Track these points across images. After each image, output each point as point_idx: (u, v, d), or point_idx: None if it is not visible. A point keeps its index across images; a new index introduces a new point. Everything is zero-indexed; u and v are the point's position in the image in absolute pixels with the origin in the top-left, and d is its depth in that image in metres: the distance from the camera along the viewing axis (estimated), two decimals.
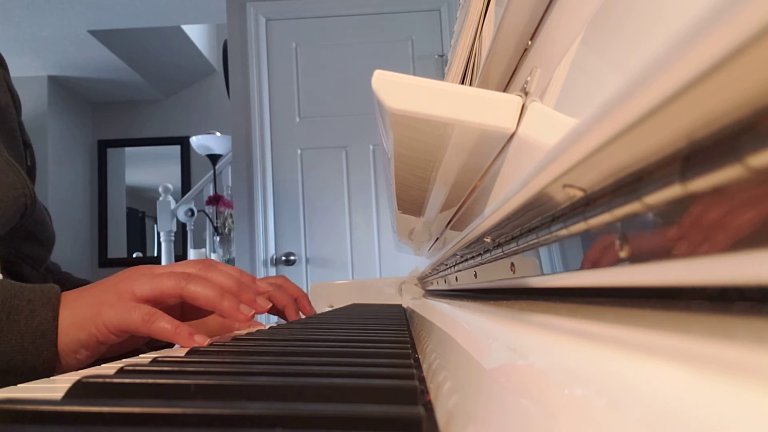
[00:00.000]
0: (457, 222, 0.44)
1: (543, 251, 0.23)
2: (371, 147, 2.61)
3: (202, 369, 0.29)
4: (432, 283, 0.89)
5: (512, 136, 0.26)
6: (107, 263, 4.65)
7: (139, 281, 0.50)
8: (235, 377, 0.25)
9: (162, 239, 3.58)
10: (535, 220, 0.23)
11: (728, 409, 0.07)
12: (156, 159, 4.99)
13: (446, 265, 0.63)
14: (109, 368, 0.34)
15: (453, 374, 0.23)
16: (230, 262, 3.18)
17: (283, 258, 2.58)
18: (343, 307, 1.09)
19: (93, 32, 3.64)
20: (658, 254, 0.13)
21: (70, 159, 4.43)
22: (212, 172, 3.57)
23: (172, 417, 0.18)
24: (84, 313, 0.48)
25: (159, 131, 4.75)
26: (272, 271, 2.57)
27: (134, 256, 4.92)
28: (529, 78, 0.26)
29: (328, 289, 1.40)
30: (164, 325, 0.47)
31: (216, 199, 3.41)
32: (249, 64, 2.61)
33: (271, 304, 0.57)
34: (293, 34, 2.66)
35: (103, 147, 4.74)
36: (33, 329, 0.46)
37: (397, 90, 0.25)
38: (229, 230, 3.30)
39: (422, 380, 0.28)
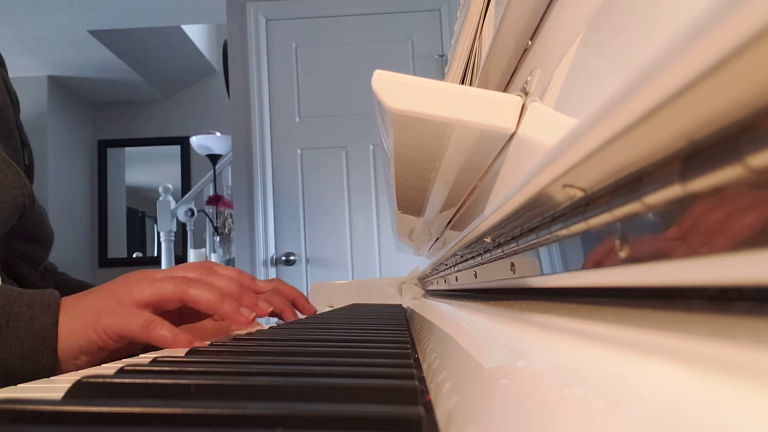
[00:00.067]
0: (457, 222, 0.44)
1: (543, 251, 0.23)
2: (371, 147, 2.61)
3: (202, 369, 0.29)
4: (432, 283, 0.89)
5: (512, 136, 0.26)
6: (107, 263, 4.65)
7: (139, 286, 0.50)
8: (235, 377, 0.25)
9: (162, 239, 3.58)
10: (535, 220, 0.23)
11: (728, 409, 0.07)
12: (156, 159, 4.99)
13: (446, 265, 0.63)
14: (109, 368, 0.34)
15: (453, 374, 0.23)
16: (230, 262, 3.18)
17: (283, 258, 2.58)
18: (343, 307, 1.09)
19: (93, 32, 3.64)
20: (658, 254, 0.13)
21: (70, 159, 4.43)
22: (212, 172, 3.57)
23: (172, 417, 0.18)
24: (84, 318, 0.48)
25: (159, 131, 4.75)
26: (272, 271, 2.57)
27: (134, 256, 4.92)
28: (529, 78, 0.26)
29: (328, 289, 1.40)
30: (163, 332, 0.47)
31: (216, 199, 3.41)
32: (249, 64, 2.61)
33: (272, 308, 0.57)
34: (293, 34, 2.66)
35: (103, 147, 4.74)
36: (33, 335, 0.46)
37: (397, 90, 0.25)
38: (229, 230, 3.30)
39: (422, 380, 0.28)
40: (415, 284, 1.22)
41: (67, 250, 4.24)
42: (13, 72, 0.76)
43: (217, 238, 3.39)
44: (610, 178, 0.15)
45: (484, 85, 0.35)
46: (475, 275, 0.43)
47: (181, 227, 3.77)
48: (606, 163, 0.14)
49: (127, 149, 4.86)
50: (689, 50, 0.09)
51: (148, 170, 5.07)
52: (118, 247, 4.78)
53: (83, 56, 3.97)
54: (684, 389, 0.09)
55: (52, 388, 0.30)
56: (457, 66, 0.57)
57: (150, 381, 0.24)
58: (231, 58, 2.66)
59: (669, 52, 0.10)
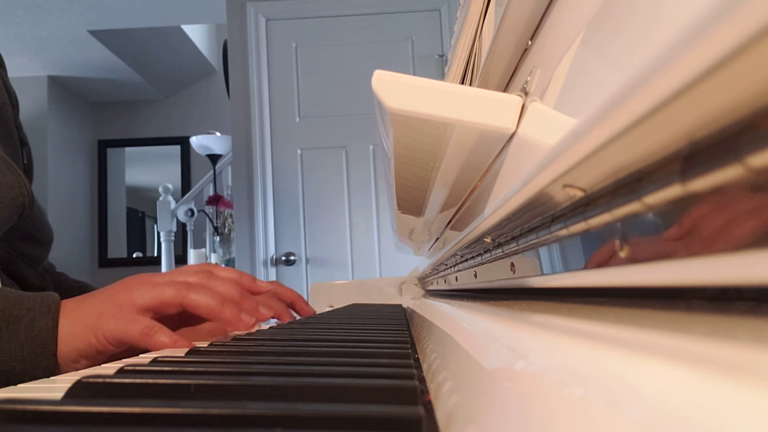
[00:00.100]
0: (457, 222, 0.44)
1: (543, 251, 0.23)
2: (371, 147, 2.61)
3: (202, 369, 0.29)
4: (432, 283, 0.89)
5: (512, 136, 0.26)
6: (107, 263, 4.65)
7: (139, 291, 0.50)
8: (235, 377, 0.25)
9: (162, 239, 3.58)
10: (535, 220, 0.23)
11: (728, 409, 0.07)
12: (156, 159, 4.99)
13: (446, 265, 0.63)
14: (109, 368, 0.34)
15: (453, 374, 0.23)
16: (230, 262, 3.18)
17: (283, 258, 2.58)
18: (343, 307, 1.09)
19: (93, 32, 3.64)
20: (658, 254, 0.13)
21: (70, 159, 4.43)
22: (212, 172, 3.57)
23: (172, 417, 0.18)
24: (84, 322, 0.48)
25: (159, 131, 4.75)
26: (272, 271, 2.57)
27: (134, 256, 4.92)
28: (529, 78, 0.26)
29: (328, 289, 1.40)
30: (163, 338, 0.47)
31: (216, 199, 3.41)
32: (249, 64, 2.61)
33: (272, 313, 0.57)
34: (293, 34, 2.67)
35: (103, 147, 4.74)
36: (33, 338, 0.46)
37: (397, 90, 0.25)
38: (229, 230, 3.30)
39: (422, 380, 0.28)
40: (415, 284, 1.22)
41: (67, 250, 4.24)
42: (13, 72, 0.77)
43: (217, 238, 3.39)
44: (610, 178, 0.15)
45: (484, 85, 0.35)
46: (475, 275, 0.43)
47: (181, 227, 3.77)
48: (606, 163, 0.14)
49: (127, 149, 4.86)
50: (689, 50, 0.09)
51: (148, 170, 5.07)
52: (118, 247, 4.78)
53: (83, 56, 3.97)
54: (684, 389, 0.09)
55: (52, 388, 0.30)
56: (457, 66, 0.57)
57: (150, 381, 0.24)
58: (231, 58, 2.66)
59: (669, 52, 0.10)
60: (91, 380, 0.23)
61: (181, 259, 3.89)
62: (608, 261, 0.16)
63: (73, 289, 0.76)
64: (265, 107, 2.62)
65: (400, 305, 1.09)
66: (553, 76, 0.22)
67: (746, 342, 0.09)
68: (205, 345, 0.42)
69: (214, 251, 3.40)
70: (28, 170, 0.73)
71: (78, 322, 0.48)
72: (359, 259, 2.57)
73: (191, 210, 3.52)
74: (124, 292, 0.51)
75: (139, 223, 5.35)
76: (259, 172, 2.58)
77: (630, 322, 0.14)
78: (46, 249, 0.72)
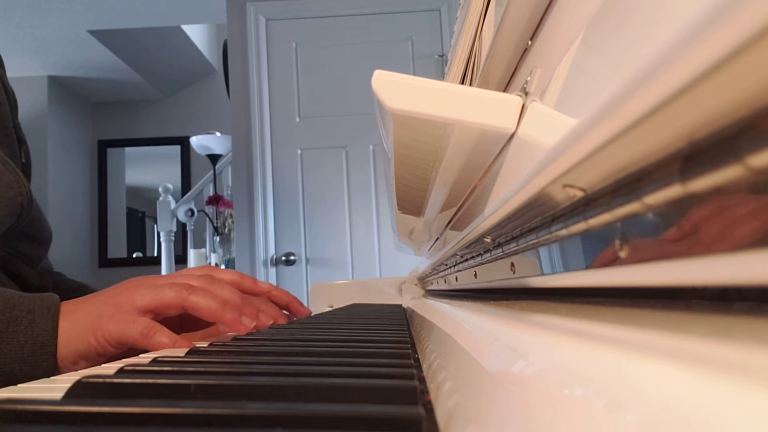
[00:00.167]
0: (457, 222, 0.44)
1: (543, 251, 0.23)
2: (371, 147, 2.61)
3: (202, 369, 0.29)
4: (432, 283, 0.89)
5: (512, 136, 0.26)
6: (107, 263, 4.65)
7: (140, 292, 0.50)
8: (235, 377, 0.25)
9: (162, 239, 3.58)
10: (535, 220, 0.23)
11: (728, 409, 0.07)
12: (156, 159, 4.99)
13: (446, 265, 0.63)
14: (109, 368, 0.34)
15: (453, 374, 0.23)
16: (230, 262, 3.18)
17: (283, 258, 2.58)
18: (343, 307, 1.09)
19: (93, 32, 3.64)
20: (658, 254, 0.13)
21: (70, 159, 4.43)
22: (212, 172, 3.57)
23: (172, 417, 0.18)
24: (83, 324, 0.48)
25: (159, 131, 4.75)
26: (272, 271, 2.57)
27: (134, 256, 4.92)
28: (529, 78, 0.26)
29: (328, 289, 1.40)
30: (163, 339, 0.47)
31: (216, 199, 3.41)
32: (249, 64, 2.61)
33: (272, 320, 0.58)
34: (293, 34, 2.67)
35: (103, 147, 4.74)
36: (32, 340, 0.46)
37: (397, 90, 0.25)
38: (229, 230, 3.30)
39: (422, 380, 0.28)
40: (415, 284, 1.22)
41: (67, 250, 4.24)
42: (13, 72, 0.77)
43: (217, 238, 3.39)
44: (610, 178, 0.15)
45: (484, 85, 0.35)
46: (475, 275, 0.43)
47: (181, 227, 3.77)
48: (606, 163, 0.14)
49: (127, 149, 4.86)
50: (689, 50, 0.09)
51: (148, 170, 5.07)
52: (118, 247, 4.79)
53: (83, 56, 3.97)
54: (684, 389, 0.09)
55: (52, 388, 0.30)
56: (457, 66, 0.57)
57: (150, 381, 0.24)
58: (231, 58, 2.66)
59: (669, 52, 0.10)
60: (91, 380, 0.23)
61: (181, 259, 3.89)
62: (608, 261, 0.16)
63: (72, 289, 0.76)
64: (265, 107, 2.62)
65: (400, 305, 1.09)
66: (553, 76, 0.22)
67: (746, 342, 0.09)
68: (205, 345, 0.41)
69: (214, 251, 3.40)
70: (26, 169, 0.73)
71: (78, 323, 0.48)
72: (359, 259, 2.57)
73: (191, 210, 3.52)
74: (124, 293, 0.50)
75: (139, 223, 5.35)
76: (259, 172, 2.58)
77: (630, 322, 0.14)
78: (44, 248, 0.72)
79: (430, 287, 0.94)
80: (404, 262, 2.32)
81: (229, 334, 0.56)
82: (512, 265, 0.30)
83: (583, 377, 0.12)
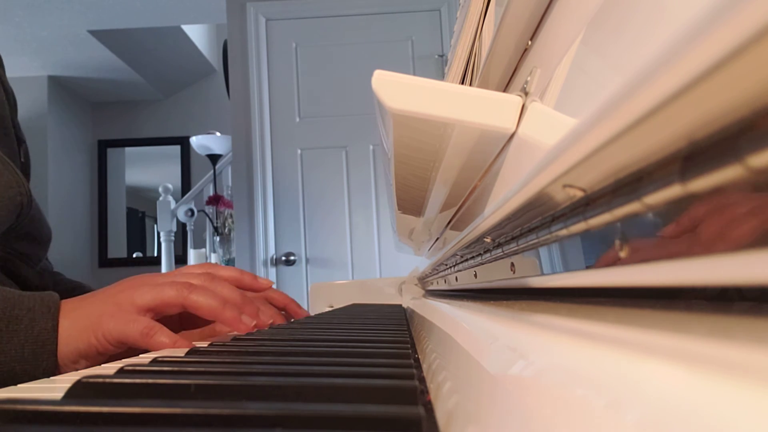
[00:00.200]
0: (457, 222, 0.44)
1: (543, 251, 0.23)
2: (371, 147, 2.61)
3: (202, 369, 0.29)
4: (432, 283, 0.89)
5: (512, 136, 0.26)
6: (107, 263, 4.65)
7: (140, 291, 0.50)
8: (235, 377, 0.25)
9: (162, 239, 3.58)
10: (535, 220, 0.23)
11: (728, 409, 0.07)
12: (156, 159, 4.99)
13: (446, 265, 0.63)
14: (109, 368, 0.34)
15: (453, 374, 0.23)
16: (230, 262, 3.18)
17: (283, 258, 2.58)
18: (343, 307, 1.09)
19: (93, 32, 3.64)
20: (658, 254, 0.13)
21: (70, 159, 4.43)
22: (212, 172, 3.57)
23: (172, 417, 0.18)
24: (84, 323, 0.48)
25: (159, 131, 4.75)
26: (272, 271, 2.57)
27: (134, 256, 4.92)
28: (529, 78, 0.26)
29: (328, 289, 1.40)
30: (163, 339, 0.47)
31: (216, 199, 3.41)
32: (249, 64, 2.61)
33: (272, 320, 0.58)
34: (293, 34, 2.67)
35: (103, 147, 4.74)
36: (33, 338, 0.46)
37: (397, 90, 0.25)
38: (229, 230, 3.30)
39: (422, 380, 0.28)
40: (415, 284, 1.22)
41: (67, 250, 4.24)
42: (13, 72, 0.77)
43: (217, 238, 3.39)
44: (610, 178, 0.15)
45: (484, 85, 0.35)
46: (475, 275, 0.43)
47: (181, 227, 3.77)
48: (606, 163, 0.14)
49: (127, 149, 4.86)
50: (689, 50, 0.09)
51: (148, 170, 5.07)
52: (118, 247, 4.78)
53: (83, 56, 3.97)
54: (684, 389, 0.09)
55: (52, 388, 0.30)
56: (457, 66, 0.57)
57: (150, 381, 0.24)
58: (231, 58, 2.66)
59: (669, 52, 0.10)
60: (91, 380, 0.23)
61: (181, 259, 3.89)
62: (608, 261, 0.16)
63: (69, 289, 0.76)
64: (265, 107, 2.62)
65: (400, 305, 1.09)
66: (553, 76, 0.22)
67: (746, 342, 0.09)
68: (205, 345, 0.41)
69: (214, 251, 3.40)
70: (25, 168, 0.73)
71: (78, 322, 0.48)
72: (359, 259, 2.57)
73: (191, 210, 3.52)
74: (124, 292, 0.50)
75: (139, 223, 5.35)
76: (259, 172, 2.58)
77: (630, 322, 0.14)
78: (44, 248, 0.72)
79: (430, 287, 0.94)
80: (404, 262, 2.32)
81: (229, 333, 0.56)
82: (512, 265, 0.30)
83: (583, 377, 0.12)
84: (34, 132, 4.01)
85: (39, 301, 0.48)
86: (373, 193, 2.61)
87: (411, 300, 0.93)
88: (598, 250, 0.17)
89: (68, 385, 0.23)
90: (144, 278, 0.53)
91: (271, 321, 0.57)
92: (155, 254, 4.99)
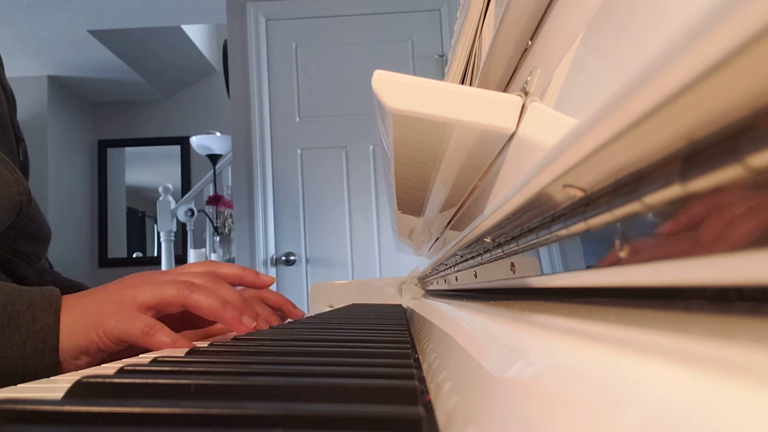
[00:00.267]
0: (457, 222, 0.44)
1: (543, 251, 0.23)
2: (371, 147, 2.61)
3: (202, 369, 0.29)
4: (432, 283, 0.89)
5: (512, 136, 0.26)
6: (107, 263, 4.65)
7: (142, 288, 0.50)
8: (235, 377, 0.25)
9: (162, 239, 3.58)
10: (535, 220, 0.23)
11: (728, 409, 0.07)
12: (156, 159, 4.99)
13: (446, 265, 0.63)
14: (109, 368, 0.34)
15: (453, 374, 0.23)
16: (230, 262, 3.18)
17: (283, 258, 2.58)
18: (343, 307, 1.09)
19: (93, 32, 3.64)
20: (658, 254, 0.13)
21: (70, 159, 4.43)
22: (212, 172, 3.57)
23: (172, 417, 0.18)
24: (85, 319, 0.48)
25: (159, 131, 4.75)
26: (272, 271, 2.57)
27: (134, 256, 4.92)
28: (529, 78, 0.26)
29: (328, 289, 1.40)
30: (163, 338, 0.47)
31: (216, 199, 3.41)
32: (249, 64, 2.61)
33: (270, 323, 0.58)
34: (293, 34, 2.66)
35: (103, 147, 4.74)
36: (34, 334, 0.46)
37: (397, 90, 0.25)
38: (229, 230, 3.30)
39: (422, 380, 0.28)
40: (415, 284, 1.22)
41: (67, 249, 4.24)
42: (13, 72, 0.77)
43: (217, 238, 3.39)
44: (610, 178, 0.15)
45: (484, 85, 0.35)
46: (475, 275, 0.43)
47: (181, 227, 3.77)
48: (606, 163, 0.14)
49: (127, 149, 4.86)
50: (689, 50, 0.09)
51: (148, 170, 5.07)
52: (118, 247, 4.78)
53: (83, 56, 3.97)
54: (684, 389, 0.09)
55: (52, 388, 0.30)
56: (457, 66, 0.57)
57: (150, 381, 0.24)
58: (231, 58, 2.66)
59: (669, 51, 0.10)
60: (91, 380, 0.23)
61: (181, 259, 3.89)
62: (608, 261, 0.16)
63: (68, 289, 0.76)
64: (265, 107, 2.62)
65: (400, 305, 1.09)
66: (553, 76, 0.22)
67: (746, 342, 0.09)
68: (205, 345, 0.41)
69: (214, 251, 3.40)
70: (24, 167, 0.73)
71: (79, 318, 0.48)
72: (359, 259, 2.57)
73: (191, 210, 3.52)
74: (126, 289, 0.50)
75: (139, 223, 5.35)
76: (259, 172, 2.58)
77: (630, 322, 0.14)
78: (44, 247, 0.72)
79: (430, 287, 0.94)
80: (404, 262, 2.32)
81: (229, 333, 0.56)
82: (512, 265, 0.30)
83: (583, 377, 0.12)
84: (34, 132, 4.01)
85: (40, 297, 0.48)
86: (373, 193, 2.61)
87: (411, 300, 0.93)
88: (598, 250, 0.17)
89: (68, 385, 0.23)
90: (146, 276, 0.53)
91: (269, 325, 0.57)
92: (155, 254, 4.99)
